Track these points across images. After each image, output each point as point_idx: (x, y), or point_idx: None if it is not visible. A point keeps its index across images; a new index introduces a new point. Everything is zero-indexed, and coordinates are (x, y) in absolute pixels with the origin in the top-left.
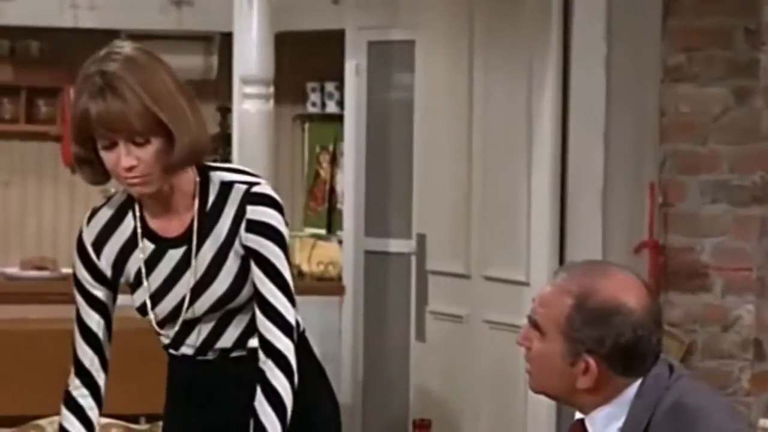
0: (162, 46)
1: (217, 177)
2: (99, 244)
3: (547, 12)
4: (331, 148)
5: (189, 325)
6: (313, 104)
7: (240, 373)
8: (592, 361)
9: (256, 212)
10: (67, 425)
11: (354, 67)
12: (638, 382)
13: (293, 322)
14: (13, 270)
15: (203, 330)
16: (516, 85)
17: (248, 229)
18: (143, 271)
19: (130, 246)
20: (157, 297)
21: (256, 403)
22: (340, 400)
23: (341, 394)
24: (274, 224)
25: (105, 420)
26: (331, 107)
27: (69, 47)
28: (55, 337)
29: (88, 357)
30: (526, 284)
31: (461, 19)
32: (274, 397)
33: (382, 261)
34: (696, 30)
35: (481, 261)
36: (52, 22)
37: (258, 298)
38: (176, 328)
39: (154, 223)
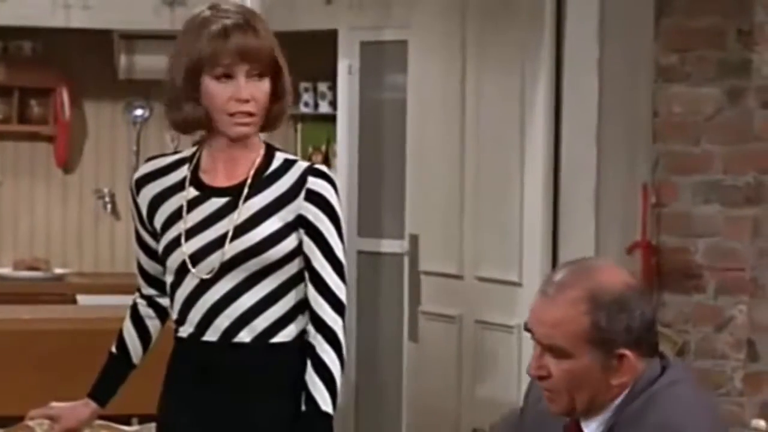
0: (155, 46)
1: (281, 155)
2: (142, 182)
3: (539, 12)
4: (323, 148)
5: (206, 283)
6: (306, 104)
7: (238, 362)
8: (627, 352)
9: (317, 184)
10: (123, 327)
11: (347, 67)
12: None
13: (344, 300)
14: (6, 270)
15: (216, 293)
16: (508, 86)
17: (307, 198)
18: (184, 208)
19: (174, 190)
20: (192, 232)
21: (307, 377)
22: None
23: None
24: (332, 202)
25: (95, 421)
26: (324, 107)
27: (61, 47)
28: (47, 337)
29: (147, 285)
30: (519, 285)
31: (454, 20)
32: (323, 371)
33: (374, 261)
34: (689, 30)
35: (474, 261)
36: (44, 22)
37: (310, 273)
38: (197, 280)
39: (205, 176)
